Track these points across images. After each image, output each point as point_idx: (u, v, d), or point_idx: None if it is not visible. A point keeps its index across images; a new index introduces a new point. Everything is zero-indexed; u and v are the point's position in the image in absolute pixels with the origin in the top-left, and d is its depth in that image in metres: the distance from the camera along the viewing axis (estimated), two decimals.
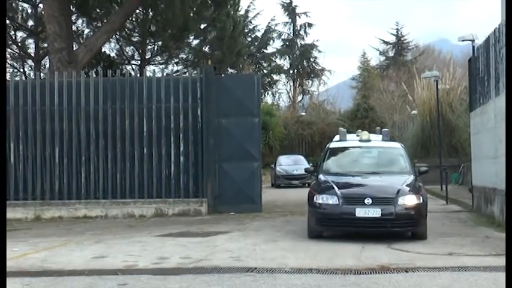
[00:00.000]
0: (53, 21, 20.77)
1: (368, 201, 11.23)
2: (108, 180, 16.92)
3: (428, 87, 31.99)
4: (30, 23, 32.82)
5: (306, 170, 16.15)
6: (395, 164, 13.02)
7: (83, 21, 31.33)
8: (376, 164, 13.19)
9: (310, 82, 60.92)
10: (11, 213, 16.15)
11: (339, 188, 11.65)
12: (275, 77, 59.47)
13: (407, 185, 11.82)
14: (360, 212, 11.19)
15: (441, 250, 10.14)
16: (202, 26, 33.52)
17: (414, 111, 35.05)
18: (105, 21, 26.30)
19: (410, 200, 11.39)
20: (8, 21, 31.15)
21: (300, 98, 58.84)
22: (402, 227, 11.41)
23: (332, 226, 11.63)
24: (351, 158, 13.41)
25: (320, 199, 11.63)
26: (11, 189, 16.82)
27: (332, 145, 13.81)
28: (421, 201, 11.50)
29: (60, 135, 17.09)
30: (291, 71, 60.23)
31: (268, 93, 57.94)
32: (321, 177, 12.53)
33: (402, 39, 64.62)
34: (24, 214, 16.51)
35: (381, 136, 14.27)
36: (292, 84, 59.54)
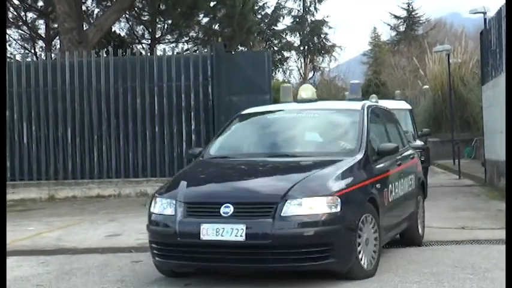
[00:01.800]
0: (62, 1, 20.76)
1: (226, 209, 6.30)
2: (121, 159, 16.99)
3: (439, 61, 31.86)
4: (40, 3, 32.79)
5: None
6: (334, 138, 7.82)
7: (93, 0, 31.31)
8: (297, 139, 7.92)
9: (321, 58, 60.71)
10: (25, 194, 16.35)
11: (188, 186, 6.85)
12: (286, 54, 59.23)
13: (320, 177, 6.64)
14: (209, 232, 6.25)
15: (454, 224, 10.15)
16: (211, 4, 33.38)
17: (426, 86, 34.94)
18: (114, 0, 26.26)
19: (309, 207, 6.24)
20: (17, 3, 31.20)
21: (310, 74, 58.71)
22: (291, 262, 6.23)
23: (167, 258, 6.66)
24: (263, 132, 8.28)
25: (157, 206, 6.79)
26: (25, 169, 16.94)
27: (246, 111, 8.73)
28: (338, 208, 6.27)
29: (72, 115, 17.14)
30: (302, 48, 59.99)
31: (279, 70, 57.75)
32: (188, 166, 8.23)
33: (413, 13, 64.28)
34: (39, 194, 16.62)
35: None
36: (302, 61, 59.33)
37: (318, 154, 7.40)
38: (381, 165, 7.53)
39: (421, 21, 64.44)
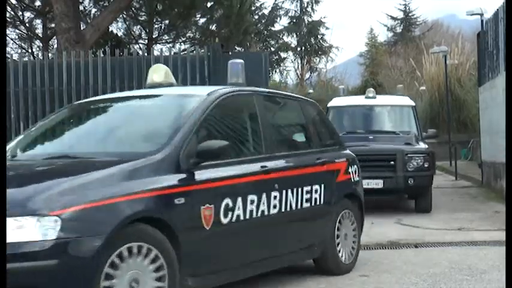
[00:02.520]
0: (59, 1, 20.71)
1: None
2: None
3: (436, 62, 31.89)
4: (37, 3, 32.78)
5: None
6: (146, 134, 5.72)
7: (90, 0, 31.32)
8: (95, 136, 5.92)
9: (318, 59, 60.80)
10: None
11: None
12: (282, 54, 59.36)
13: (46, 187, 4.48)
14: None
15: (450, 225, 10.17)
16: (208, 4, 33.42)
17: (422, 87, 34.96)
18: (111, 0, 26.26)
19: (7, 232, 4.14)
20: (15, 2, 31.20)
21: (307, 75, 58.79)
22: None
23: None
24: (67, 126, 6.50)
25: None
26: None
27: (82, 100, 7.68)
28: (56, 234, 4.21)
29: None
30: (299, 49, 60.08)
31: (276, 71, 57.88)
32: None
33: (410, 14, 64.32)
34: None
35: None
36: (299, 61, 59.44)
37: (107, 155, 5.28)
38: (209, 171, 5.38)
39: (417, 23, 64.49)
